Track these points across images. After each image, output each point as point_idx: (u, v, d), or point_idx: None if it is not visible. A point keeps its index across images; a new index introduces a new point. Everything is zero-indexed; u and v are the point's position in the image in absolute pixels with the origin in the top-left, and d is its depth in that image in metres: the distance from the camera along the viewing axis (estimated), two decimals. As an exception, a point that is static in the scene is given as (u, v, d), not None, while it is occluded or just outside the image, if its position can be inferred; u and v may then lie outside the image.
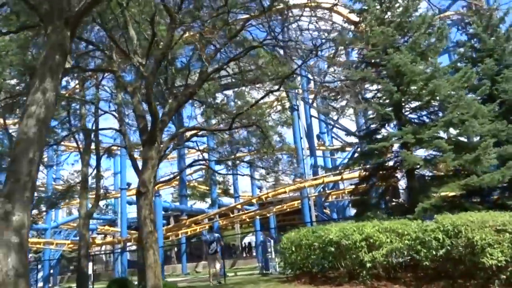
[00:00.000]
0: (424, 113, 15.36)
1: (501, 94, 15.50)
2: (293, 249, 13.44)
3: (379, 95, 15.82)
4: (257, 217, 32.40)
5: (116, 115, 15.87)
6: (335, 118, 25.01)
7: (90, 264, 19.53)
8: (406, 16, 14.83)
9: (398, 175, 16.31)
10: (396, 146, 15.39)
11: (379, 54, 14.49)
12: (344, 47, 15.26)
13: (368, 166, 15.54)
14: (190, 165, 16.20)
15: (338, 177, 23.92)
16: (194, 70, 14.87)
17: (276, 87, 12.93)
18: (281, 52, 12.43)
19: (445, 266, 10.72)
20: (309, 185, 24.42)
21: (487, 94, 15.36)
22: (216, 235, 17.68)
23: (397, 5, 15.78)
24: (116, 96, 15.06)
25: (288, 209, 32.89)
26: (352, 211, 40.31)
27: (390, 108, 14.07)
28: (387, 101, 14.56)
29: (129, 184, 30.89)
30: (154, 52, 10.10)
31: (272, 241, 26.58)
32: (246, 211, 31.18)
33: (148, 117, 10.85)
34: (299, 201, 31.54)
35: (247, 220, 34.24)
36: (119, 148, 20.77)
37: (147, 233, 9.41)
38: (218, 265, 17.01)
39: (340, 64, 12.81)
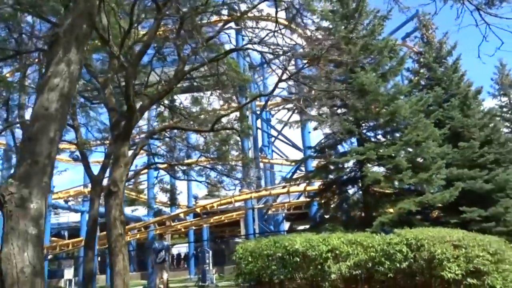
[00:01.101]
0: (379, 132, 16.06)
1: (448, 120, 16.67)
2: (250, 259, 13.17)
3: (339, 111, 16.31)
4: (193, 227, 31.70)
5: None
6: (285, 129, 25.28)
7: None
8: (371, 39, 15.48)
9: (351, 190, 16.82)
10: (350, 162, 15.93)
11: (346, 72, 14.95)
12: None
13: (325, 179, 15.83)
14: (146, 168, 15.36)
15: (285, 190, 24.14)
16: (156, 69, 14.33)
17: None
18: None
19: (406, 278, 11.13)
20: (256, 196, 24.36)
21: (436, 119, 16.46)
22: (166, 243, 16.88)
23: (361, 27, 16.49)
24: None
25: (227, 220, 32.54)
26: (286, 225, 41.06)
27: (354, 125, 14.50)
28: (350, 118, 15.00)
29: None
30: (132, 43, 9.49)
31: (210, 252, 26.05)
32: (184, 221, 30.28)
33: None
34: (238, 212, 31.42)
35: (182, 230, 33.37)
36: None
37: (116, 236, 8.69)
38: (165, 275, 16.21)
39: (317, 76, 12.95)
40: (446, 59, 18.52)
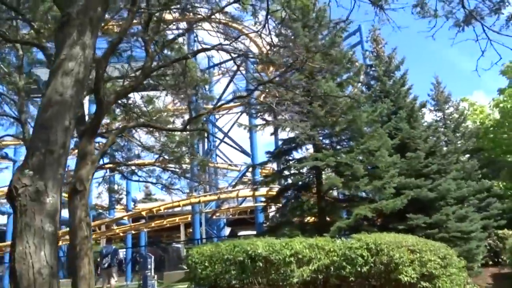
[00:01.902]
0: (334, 139, 16.55)
1: (396, 131, 17.57)
2: (206, 263, 12.90)
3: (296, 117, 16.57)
4: (132, 231, 30.50)
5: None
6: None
7: None
8: (330, 49, 15.93)
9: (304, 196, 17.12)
10: (304, 169, 16.24)
11: (307, 79, 15.24)
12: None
13: (281, 184, 16.00)
14: (114, 169, 14.50)
15: (233, 194, 24.05)
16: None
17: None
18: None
19: (364, 282, 11.50)
20: (205, 201, 24.00)
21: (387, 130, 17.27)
22: (113, 247, 16.04)
23: (320, 36, 16.96)
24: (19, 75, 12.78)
25: (168, 224, 31.71)
26: (227, 230, 40.88)
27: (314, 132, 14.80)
28: (309, 124, 15.28)
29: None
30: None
31: (152, 257, 25.22)
32: (123, 226, 29.01)
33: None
34: (181, 217, 30.74)
35: (121, 234, 31.98)
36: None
37: (81, 238, 8.08)
38: (113, 281, 15.40)
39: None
40: (394, 73, 19.52)
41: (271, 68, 25.40)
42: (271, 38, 12.69)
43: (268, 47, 14.57)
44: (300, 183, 16.20)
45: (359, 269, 11.18)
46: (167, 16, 13.08)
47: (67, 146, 3.52)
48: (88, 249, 8.09)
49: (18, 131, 14.60)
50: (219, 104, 12.33)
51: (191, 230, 38.99)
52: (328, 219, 15.45)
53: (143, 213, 25.10)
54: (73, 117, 3.60)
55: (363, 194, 15.76)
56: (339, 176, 14.11)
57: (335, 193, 17.48)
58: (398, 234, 12.30)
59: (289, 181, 16.79)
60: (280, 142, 17.63)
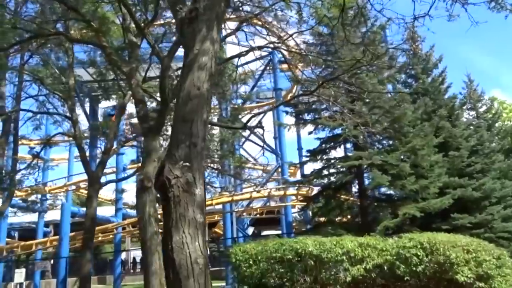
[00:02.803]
0: (375, 138, 16.40)
1: (437, 130, 17.35)
2: (251, 262, 12.89)
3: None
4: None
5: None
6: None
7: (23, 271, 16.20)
8: (372, 43, 15.78)
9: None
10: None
11: (347, 73, 15.12)
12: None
13: (323, 183, 15.93)
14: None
15: (265, 193, 24.05)
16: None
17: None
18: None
19: (416, 282, 11.36)
20: (236, 200, 24.07)
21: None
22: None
23: (359, 34, 16.82)
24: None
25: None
26: (250, 230, 40.85)
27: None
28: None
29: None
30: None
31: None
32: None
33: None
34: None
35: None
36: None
37: (151, 234, 8.17)
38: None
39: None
40: (431, 71, 19.29)
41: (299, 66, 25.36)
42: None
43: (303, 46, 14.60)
44: (340, 182, 16.11)
45: (414, 268, 11.03)
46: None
47: (205, 140, 3.55)
48: (158, 245, 8.17)
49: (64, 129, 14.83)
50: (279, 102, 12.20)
51: (215, 230, 39.19)
52: (369, 218, 15.31)
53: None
54: (209, 110, 3.63)
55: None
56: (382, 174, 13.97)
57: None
58: (448, 234, 12.12)
59: (326, 180, 16.67)
60: (305, 142, 17.48)
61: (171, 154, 3.37)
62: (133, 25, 9.67)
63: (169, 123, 10.60)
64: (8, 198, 15.22)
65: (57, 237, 26.88)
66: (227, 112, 17.85)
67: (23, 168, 13.96)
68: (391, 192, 15.08)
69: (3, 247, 27.31)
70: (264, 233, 42.47)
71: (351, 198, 16.83)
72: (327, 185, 15.99)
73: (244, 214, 31.61)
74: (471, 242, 11.64)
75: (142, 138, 16.26)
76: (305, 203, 18.52)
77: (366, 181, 15.77)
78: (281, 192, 24.52)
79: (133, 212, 33.54)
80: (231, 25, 12.77)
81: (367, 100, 14.50)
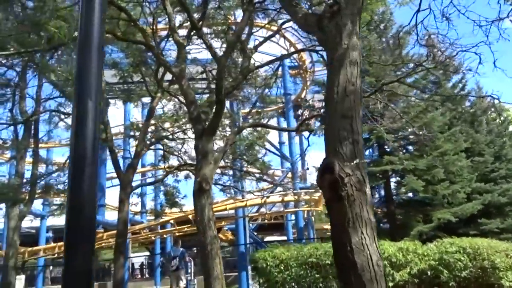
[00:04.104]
0: (402, 142, 16.38)
1: (460, 135, 17.39)
2: (282, 267, 12.69)
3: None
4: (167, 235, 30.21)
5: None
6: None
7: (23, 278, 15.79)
8: (397, 53, 15.79)
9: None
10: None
11: (377, 82, 15.11)
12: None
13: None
14: (177, 168, 14.36)
15: (279, 199, 23.87)
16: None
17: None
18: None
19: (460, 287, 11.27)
20: (251, 204, 23.83)
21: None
22: (181, 249, 15.82)
23: (384, 39, 16.86)
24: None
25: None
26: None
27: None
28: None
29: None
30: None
31: (192, 261, 24.89)
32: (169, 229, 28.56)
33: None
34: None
35: (153, 238, 31.68)
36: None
37: (211, 238, 7.95)
38: (182, 284, 15.21)
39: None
40: (452, 77, 19.35)
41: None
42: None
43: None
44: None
45: (458, 273, 10.96)
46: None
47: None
48: (218, 249, 7.97)
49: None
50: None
51: (220, 236, 38.77)
52: (398, 223, 15.21)
53: (190, 216, 24.80)
54: (361, 107, 3.50)
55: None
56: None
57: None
58: (486, 239, 12.08)
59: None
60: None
61: (336, 152, 3.21)
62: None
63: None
64: (29, 201, 14.83)
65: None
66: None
67: (49, 173, 13.55)
68: (416, 197, 15.00)
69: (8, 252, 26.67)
70: (267, 239, 42.19)
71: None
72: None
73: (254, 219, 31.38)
74: (509, 247, 11.63)
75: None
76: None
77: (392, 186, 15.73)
78: (293, 198, 24.35)
79: (137, 217, 33.13)
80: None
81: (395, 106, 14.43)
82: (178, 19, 14.09)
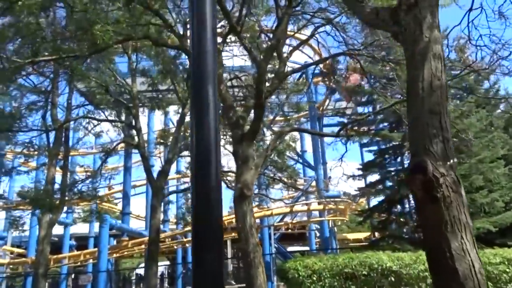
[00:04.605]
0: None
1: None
2: (314, 278, 12.35)
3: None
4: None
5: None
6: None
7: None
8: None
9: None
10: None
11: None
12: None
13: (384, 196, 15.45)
14: None
15: (305, 208, 23.54)
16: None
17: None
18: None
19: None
20: (276, 213, 23.57)
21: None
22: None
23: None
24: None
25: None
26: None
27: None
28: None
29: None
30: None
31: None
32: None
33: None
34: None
35: (174, 247, 31.55)
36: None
37: (254, 245, 7.75)
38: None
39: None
40: (483, 82, 18.85)
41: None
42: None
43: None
44: (399, 194, 15.61)
45: (504, 286, 10.48)
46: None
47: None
48: (261, 257, 7.76)
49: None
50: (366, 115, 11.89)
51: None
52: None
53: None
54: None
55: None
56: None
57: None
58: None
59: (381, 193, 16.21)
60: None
61: (427, 150, 3.00)
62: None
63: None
64: (59, 208, 14.85)
65: (92, 250, 26.49)
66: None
67: (82, 180, 13.57)
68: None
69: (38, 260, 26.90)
70: (289, 249, 41.66)
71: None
72: (386, 198, 15.49)
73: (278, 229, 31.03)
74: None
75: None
76: (361, 218, 17.99)
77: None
78: (320, 207, 23.98)
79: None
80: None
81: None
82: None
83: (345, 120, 17.32)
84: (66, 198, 12.84)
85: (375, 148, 20.12)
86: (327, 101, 29.22)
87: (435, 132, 3.05)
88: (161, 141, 14.15)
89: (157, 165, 18.52)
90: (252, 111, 9.81)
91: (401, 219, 15.61)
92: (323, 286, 11.81)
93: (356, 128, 13.36)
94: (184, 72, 14.12)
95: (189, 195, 17.61)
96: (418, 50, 3.37)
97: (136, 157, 28.46)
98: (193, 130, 2.00)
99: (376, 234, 17.38)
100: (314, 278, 11.98)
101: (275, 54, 8.88)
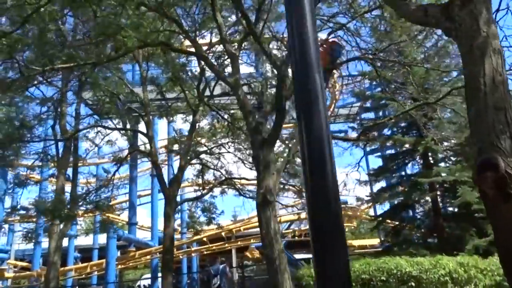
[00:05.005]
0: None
1: None
2: None
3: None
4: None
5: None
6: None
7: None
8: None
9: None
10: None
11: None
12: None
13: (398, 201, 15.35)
14: (221, 183, 14.12)
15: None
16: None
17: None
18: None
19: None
20: (286, 220, 23.40)
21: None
22: (221, 266, 15.45)
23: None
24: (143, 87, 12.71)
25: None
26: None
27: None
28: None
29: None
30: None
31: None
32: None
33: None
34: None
35: (180, 256, 31.25)
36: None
37: (279, 251, 7.61)
38: (224, 303, 14.80)
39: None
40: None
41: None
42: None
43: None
44: (412, 199, 15.51)
45: None
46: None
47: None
48: (286, 263, 7.63)
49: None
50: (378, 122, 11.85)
51: (247, 254, 38.07)
52: (445, 236, 14.60)
53: (223, 233, 24.47)
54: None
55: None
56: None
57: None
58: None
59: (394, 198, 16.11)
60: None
61: (495, 146, 2.91)
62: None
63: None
64: (74, 218, 14.68)
65: (98, 261, 26.26)
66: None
67: (96, 189, 13.40)
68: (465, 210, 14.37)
69: (41, 272, 26.60)
70: (297, 256, 41.33)
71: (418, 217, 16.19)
72: (401, 203, 15.38)
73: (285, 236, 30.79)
74: None
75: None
76: (374, 223, 17.83)
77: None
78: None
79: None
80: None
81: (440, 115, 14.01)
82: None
83: (355, 125, 17.23)
84: (83, 208, 12.65)
85: (378, 154, 20.11)
86: (332, 106, 29.23)
87: (502, 128, 2.96)
88: (172, 148, 14.02)
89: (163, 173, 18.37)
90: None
91: (414, 224, 15.48)
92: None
93: (371, 133, 13.28)
94: (195, 79, 14.06)
95: (198, 203, 17.45)
96: (476, 45, 3.29)
97: (140, 166, 28.51)
98: (301, 125, 1.89)
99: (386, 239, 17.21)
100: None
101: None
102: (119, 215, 32.67)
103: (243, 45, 10.53)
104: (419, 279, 10.86)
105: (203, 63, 13.28)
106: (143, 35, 7.58)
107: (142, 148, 15.07)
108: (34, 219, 15.42)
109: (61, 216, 10.47)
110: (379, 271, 11.44)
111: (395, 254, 12.96)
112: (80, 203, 12.52)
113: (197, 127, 16.46)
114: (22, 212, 14.61)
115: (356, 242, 30.62)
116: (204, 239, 24.08)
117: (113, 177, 13.36)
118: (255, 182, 16.73)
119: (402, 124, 15.91)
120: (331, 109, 29.25)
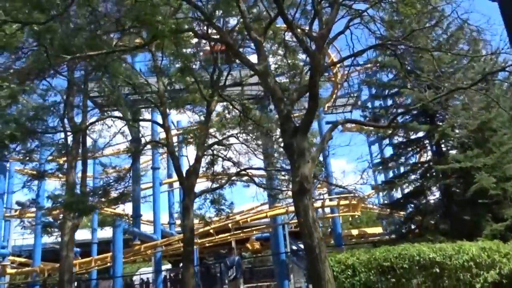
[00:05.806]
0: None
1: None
2: (349, 272, 12.17)
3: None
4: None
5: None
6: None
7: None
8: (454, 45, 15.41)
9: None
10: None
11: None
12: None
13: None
14: (238, 174, 13.91)
15: (334, 202, 23.35)
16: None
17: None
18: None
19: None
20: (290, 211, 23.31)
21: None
22: (236, 258, 15.33)
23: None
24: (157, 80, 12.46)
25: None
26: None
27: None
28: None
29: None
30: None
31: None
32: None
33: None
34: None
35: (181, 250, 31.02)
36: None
37: (319, 239, 7.53)
38: (241, 293, 14.73)
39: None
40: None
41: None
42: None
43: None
44: (426, 187, 15.56)
45: None
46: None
47: None
48: (326, 252, 7.55)
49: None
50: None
51: (247, 245, 37.96)
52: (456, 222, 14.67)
53: (230, 225, 24.25)
54: None
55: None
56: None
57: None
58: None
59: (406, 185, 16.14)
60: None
61: None
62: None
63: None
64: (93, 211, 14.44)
65: (103, 255, 26.01)
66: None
67: (115, 180, 13.08)
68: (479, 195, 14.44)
69: (43, 268, 26.32)
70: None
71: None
72: (414, 192, 15.42)
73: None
74: None
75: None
76: (388, 211, 17.86)
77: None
78: (333, 203, 23.86)
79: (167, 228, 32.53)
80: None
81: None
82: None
83: (367, 114, 17.11)
84: (101, 200, 12.39)
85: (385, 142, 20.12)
86: (333, 96, 29.13)
87: None
88: (189, 139, 13.79)
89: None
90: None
91: (428, 211, 15.53)
92: (359, 281, 11.64)
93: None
94: (207, 68, 13.85)
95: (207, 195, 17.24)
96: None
97: (142, 159, 28.09)
98: None
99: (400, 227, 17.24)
100: (349, 273, 11.79)
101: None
102: (121, 209, 32.35)
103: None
104: (442, 265, 10.90)
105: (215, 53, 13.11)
106: (174, 22, 7.38)
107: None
108: (54, 212, 15.14)
109: (80, 209, 10.22)
110: (400, 258, 11.45)
111: (409, 241, 12.99)
112: (101, 195, 12.24)
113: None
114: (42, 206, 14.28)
115: (355, 232, 30.75)
116: (211, 231, 23.83)
117: (129, 169, 13.09)
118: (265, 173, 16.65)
119: (415, 112, 15.90)
120: (332, 98, 29.28)
